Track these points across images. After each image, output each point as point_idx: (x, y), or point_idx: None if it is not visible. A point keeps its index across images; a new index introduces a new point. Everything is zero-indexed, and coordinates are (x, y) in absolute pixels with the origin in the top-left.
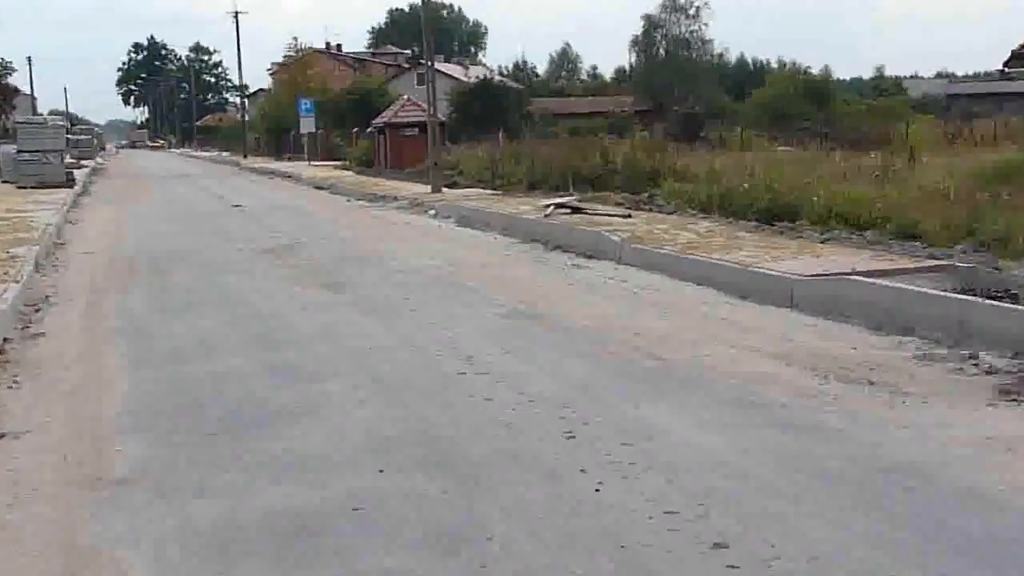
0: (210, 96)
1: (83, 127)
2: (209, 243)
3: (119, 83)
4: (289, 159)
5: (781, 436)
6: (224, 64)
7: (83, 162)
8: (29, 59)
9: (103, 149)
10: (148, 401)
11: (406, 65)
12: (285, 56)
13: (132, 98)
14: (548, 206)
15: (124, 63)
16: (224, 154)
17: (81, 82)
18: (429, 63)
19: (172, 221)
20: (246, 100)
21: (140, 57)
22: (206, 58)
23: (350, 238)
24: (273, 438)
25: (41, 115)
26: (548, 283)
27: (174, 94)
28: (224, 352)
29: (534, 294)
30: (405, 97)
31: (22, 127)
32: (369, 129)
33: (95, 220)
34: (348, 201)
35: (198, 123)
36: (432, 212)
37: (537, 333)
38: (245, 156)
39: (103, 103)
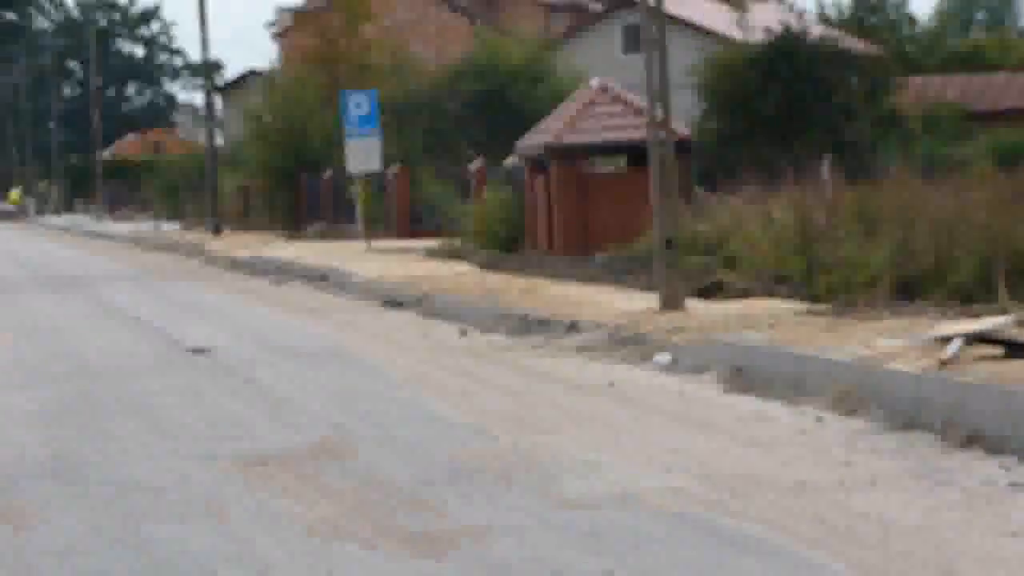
0: (132, 90)
1: None
2: (126, 439)
3: None
4: (321, 235)
5: None
6: (165, 17)
7: None
8: None
9: None
10: None
11: (595, 6)
12: None
13: None
14: (947, 340)
15: None
16: (167, 226)
17: None
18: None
19: (41, 385)
20: (215, 100)
21: None
22: (124, 4)
23: (467, 425)
24: None
25: None
26: (961, 540)
27: (47, 85)
28: None
29: (934, 571)
30: (595, 84)
31: None
32: (510, 159)
33: None
34: (462, 336)
35: (107, 154)
36: (664, 358)
37: None
38: (218, 230)
39: None
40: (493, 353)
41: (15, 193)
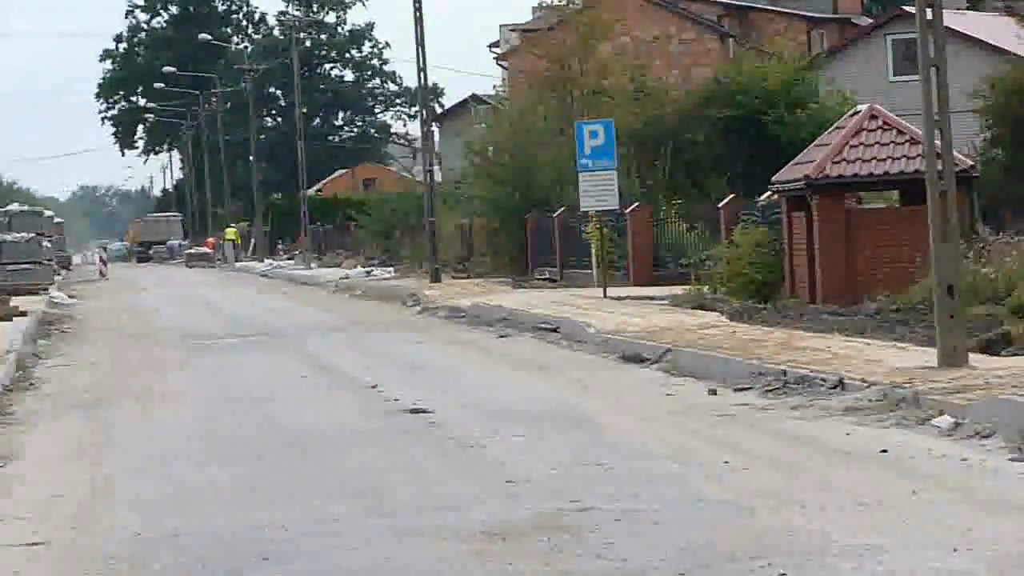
0: (344, 121)
1: (23, 211)
2: (339, 519)
3: (103, 93)
4: (550, 281)
5: None
6: (380, 38)
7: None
8: None
9: (66, 265)
10: None
11: (862, 19)
12: (541, 8)
13: (138, 131)
14: None
15: (116, 44)
16: (380, 271)
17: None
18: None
19: (242, 458)
20: (434, 130)
21: (159, 24)
22: (333, 23)
23: (722, 501)
24: None
25: None
26: None
27: (246, 115)
28: None
29: None
30: (863, 109)
31: None
32: (766, 195)
33: (45, 453)
34: (712, 394)
35: (313, 191)
36: (945, 422)
37: None
38: (437, 276)
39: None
40: (748, 416)
41: (232, 231)
